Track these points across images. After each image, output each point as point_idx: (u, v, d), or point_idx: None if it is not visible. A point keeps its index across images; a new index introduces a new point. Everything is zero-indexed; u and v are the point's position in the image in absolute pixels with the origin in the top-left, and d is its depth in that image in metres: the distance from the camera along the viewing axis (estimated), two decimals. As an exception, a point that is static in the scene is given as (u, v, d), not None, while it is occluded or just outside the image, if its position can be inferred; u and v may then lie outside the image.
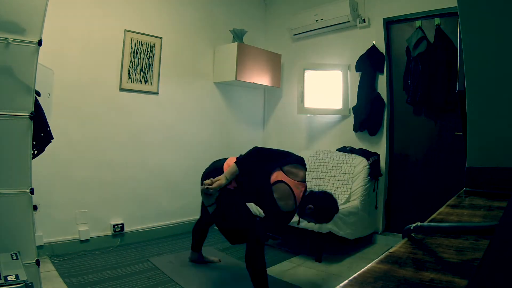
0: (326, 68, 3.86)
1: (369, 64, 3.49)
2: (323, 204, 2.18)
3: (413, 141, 3.38)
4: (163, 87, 3.50)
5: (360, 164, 3.33)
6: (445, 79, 2.98)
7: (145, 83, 3.35)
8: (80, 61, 2.95)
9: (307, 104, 3.89)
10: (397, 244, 0.55)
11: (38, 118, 1.73)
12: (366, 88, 3.51)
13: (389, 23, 3.49)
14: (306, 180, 2.25)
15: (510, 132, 0.88)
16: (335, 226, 2.89)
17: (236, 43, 3.73)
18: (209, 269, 2.69)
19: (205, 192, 2.15)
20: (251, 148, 2.24)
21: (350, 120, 3.70)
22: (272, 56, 4.11)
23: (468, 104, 0.91)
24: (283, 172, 2.13)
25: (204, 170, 2.45)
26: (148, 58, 3.36)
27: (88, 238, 3.00)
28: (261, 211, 2.46)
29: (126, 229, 3.23)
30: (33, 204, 1.69)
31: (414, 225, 0.56)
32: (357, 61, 3.60)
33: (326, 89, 3.87)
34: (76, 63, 2.93)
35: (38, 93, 1.76)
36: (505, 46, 0.87)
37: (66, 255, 2.80)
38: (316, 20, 3.79)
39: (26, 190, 1.65)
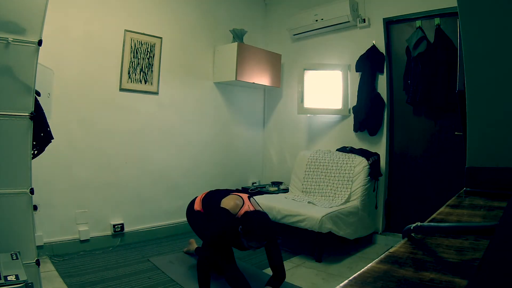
0: (326, 68, 3.86)
1: (369, 64, 3.49)
2: (251, 224, 2.07)
3: (413, 141, 3.38)
4: (163, 87, 3.50)
5: (360, 164, 3.33)
6: (445, 79, 2.98)
7: (145, 83, 3.35)
8: (80, 61, 2.95)
9: (307, 104, 3.89)
10: (397, 244, 0.55)
11: (38, 118, 1.73)
12: (366, 88, 3.51)
13: (389, 23, 3.49)
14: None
15: (510, 132, 0.88)
16: (335, 226, 2.89)
17: (236, 43, 3.73)
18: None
19: None
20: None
21: (350, 120, 3.70)
22: (272, 56, 4.11)
23: (468, 104, 0.91)
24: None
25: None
26: (148, 58, 3.36)
27: (88, 238, 3.00)
28: None
29: (126, 229, 3.23)
30: (33, 204, 1.69)
31: (414, 225, 0.56)
32: (357, 61, 3.60)
33: (326, 89, 3.87)
34: (76, 63, 2.93)
35: (38, 93, 1.76)
36: (505, 46, 0.87)
37: (66, 255, 2.80)
38: (316, 20, 3.79)
39: (26, 190, 1.65)
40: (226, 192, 2.46)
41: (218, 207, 2.27)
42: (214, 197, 2.46)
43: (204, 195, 2.61)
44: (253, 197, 2.46)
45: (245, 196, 2.36)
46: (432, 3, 3.10)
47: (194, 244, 2.99)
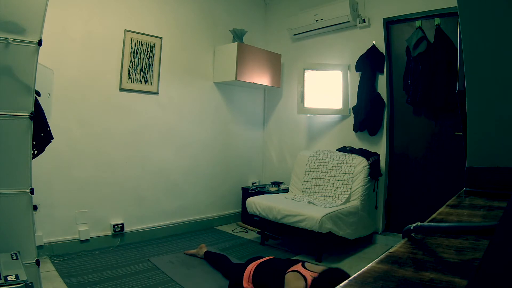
0: (326, 68, 3.86)
1: (369, 64, 3.49)
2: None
3: (413, 141, 3.38)
4: (163, 87, 3.50)
5: (360, 164, 3.33)
6: (445, 79, 2.98)
7: (145, 83, 3.35)
8: (80, 61, 2.96)
9: (307, 104, 3.89)
10: (397, 244, 0.55)
11: (38, 118, 1.73)
12: (366, 88, 3.51)
13: (389, 23, 3.49)
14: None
15: (510, 132, 0.88)
16: (335, 226, 2.89)
17: (236, 43, 3.73)
18: (210, 269, 2.69)
19: None
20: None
21: (350, 120, 3.70)
22: (272, 56, 4.11)
23: (468, 104, 0.91)
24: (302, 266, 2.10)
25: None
26: (148, 58, 3.36)
27: (88, 238, 3.00)
28: None
29: (126, 229, 3.23)
30: (33, 204, 1.69)
31: (414, 225, 0.56)
32: (357, 61, 3.60)
33: (326, 89, 3.87)
34: (76, 63, 2.93)
35: (38, 93, 1.76)
36: (505, 46, 0.87)
37: (66, 255, 2.80)
38: (316, 20, 3.79)
39: (26, 190, 1.65)
40: (282, 265, 2.16)
41: None
42: (267, 272, 2.20)
43: (252, 271, 2.26)
44: (305, 262, 2.16)
45: (299, 266, 2.11)
46: (432, 3, 3.10)
47: (204, 248, 2.93)
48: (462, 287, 0.38)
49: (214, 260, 2.76)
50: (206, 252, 2.86)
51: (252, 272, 2.25)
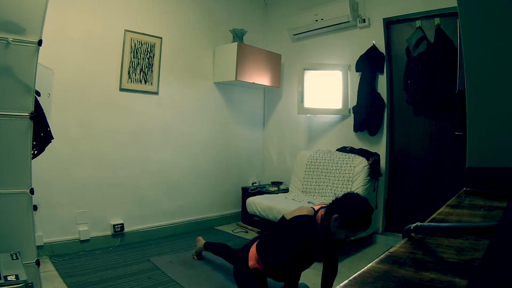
0: (326, 68, 3.86)
1: (369, 64, 3.49)
2: (348, 209, 1.91)
3: (413, 141, 3.38)
4: (163, 87, 3.50)
5: (360, 164, 3.33)
6: (445, 79, 2.98)
7: (145, 83, 3.35)
8: (80, 61, 2.96)
9: (307, 104, 3.89)
10: (397, 244, 0.55)
11: (38, 118, 1.73)
12: (366, 88, 3.51)
13: (389, 23, 3.48)
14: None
15: (510, 132, 0.88)
16: (335, 226, 2.88)
17: (236, 43, 3.73)
18: (210, 268, 2.69)
19: None
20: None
21: (350, 120, 3.70)
22: (272, 56, 4.11)
23: (468, 104, 0.91)
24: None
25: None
26: (148, 58, 3.36)
27: (88, 238, 3.00)
28: None
29: (126, 229, 3.23)
30: (33, 204, 1.69)
31: (414, 225, 0.56)
32: (357, 61, 3.60)
33: (326, 89, 3.87)
34: (76, 63, 2.93)
35: (38, 93, 1.76)
36: (505, 46, 0.87)
37: (66, 255, 2.80)
38: (316, 20, 3.79)
39: (26, 190, 1.65)
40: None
41: (285, 223, 1.94)
42: (270, 236, 2.16)
43: (255, 246, 2.17)
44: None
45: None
46: (432, 3, 3.10)
47: (201, 240, 2.87)
48: (462, 287, 0.38)
49: (215, 247, 2.71)
50: (205, 243, 2.82)
51: (255, 247, 2.16)
